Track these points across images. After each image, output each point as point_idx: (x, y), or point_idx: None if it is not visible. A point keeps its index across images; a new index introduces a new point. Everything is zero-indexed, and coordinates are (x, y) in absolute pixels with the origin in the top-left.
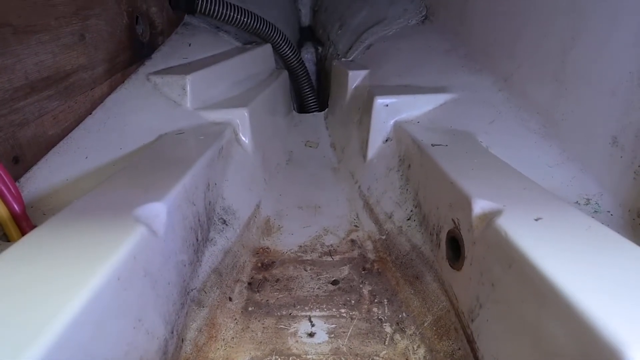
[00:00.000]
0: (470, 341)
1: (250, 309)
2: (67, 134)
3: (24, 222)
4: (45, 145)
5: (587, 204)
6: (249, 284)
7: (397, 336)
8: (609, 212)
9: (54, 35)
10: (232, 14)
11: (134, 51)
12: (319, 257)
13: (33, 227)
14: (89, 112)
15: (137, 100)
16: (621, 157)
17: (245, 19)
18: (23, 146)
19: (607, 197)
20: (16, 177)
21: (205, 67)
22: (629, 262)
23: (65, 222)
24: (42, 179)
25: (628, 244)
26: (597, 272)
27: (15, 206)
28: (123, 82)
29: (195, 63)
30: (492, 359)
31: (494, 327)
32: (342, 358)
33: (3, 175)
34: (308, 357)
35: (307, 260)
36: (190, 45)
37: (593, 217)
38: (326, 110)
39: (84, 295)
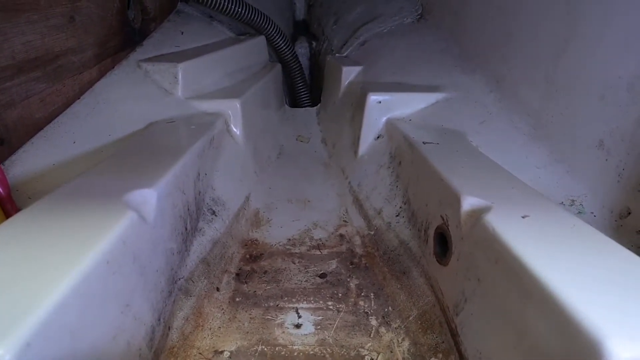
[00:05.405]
0: (454, 334)
1: (237, 299)
2: (55, 118)
3: (9, 204)
4: (32, 128)
5: (571, 204)
6: (237, 275)
7: (383, 329)
8: (592, 213)
9: (43, 15)
10: (226, 3)
11: (125, 37)
12: (308, 250)
13: (18, 210)
14: (77, 96)
15: (127, 87)
16: (606, 160)
17: (239, 9)
18: (8, 128)
19: (591, 199)
20: (1, 160)
21: (197, 56)
22: (610, 260)
23: (53, 205)
24: (28, 162)
25: (610, 242)
26: (580, 269)
27: (0, 188)
28: (113, 67)
29: (188, 52)
30: (475, 352)
31: (478, 320)
32: (328, 349)
33: None
34: (294, 347)
35: (296, 253)
36: (182, 33)
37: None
38: (318, 105)
39: (72, 278)
